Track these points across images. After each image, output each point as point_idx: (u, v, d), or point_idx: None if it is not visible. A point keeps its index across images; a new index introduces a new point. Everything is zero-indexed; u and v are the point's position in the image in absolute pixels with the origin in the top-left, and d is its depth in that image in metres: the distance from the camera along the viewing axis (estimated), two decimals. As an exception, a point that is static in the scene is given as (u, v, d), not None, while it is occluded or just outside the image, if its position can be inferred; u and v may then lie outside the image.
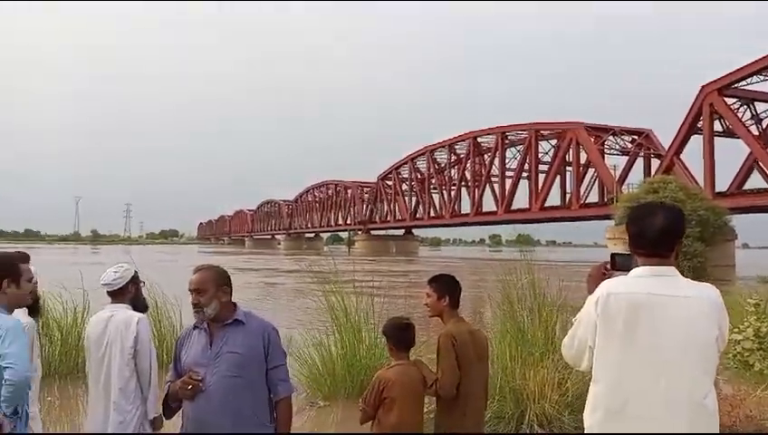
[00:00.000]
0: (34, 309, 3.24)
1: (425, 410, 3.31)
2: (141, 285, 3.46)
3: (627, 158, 53.48)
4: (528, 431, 4.71)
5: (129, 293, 3.32)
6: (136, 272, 3.42)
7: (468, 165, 68.73)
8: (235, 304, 2.80)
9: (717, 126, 41.93)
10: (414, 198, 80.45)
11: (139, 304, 3.36)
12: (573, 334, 2.10)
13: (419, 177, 78.49)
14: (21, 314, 3.30)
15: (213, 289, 2.70)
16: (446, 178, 73.45)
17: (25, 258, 2.81)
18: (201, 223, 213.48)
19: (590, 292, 2.08)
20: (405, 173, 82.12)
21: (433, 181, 75.44)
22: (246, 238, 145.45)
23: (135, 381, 3.18)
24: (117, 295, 3.31)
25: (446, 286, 3.27)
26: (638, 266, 2.02)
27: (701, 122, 41.32)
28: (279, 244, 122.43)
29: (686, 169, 43.24)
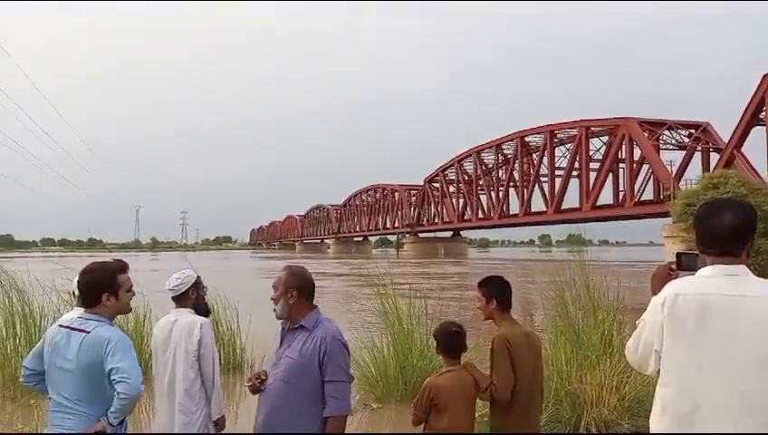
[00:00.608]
0: None
1: (478, 413, 3.29)
2: (204, 290, 3.58)
3: (683, 153, 51.46)
4: (585, 433, 4.61)
5: (191, 298, 3.45)
6: (198, 278, 3.55)
7: (516, 165, 67.69)
8: (312, 309, 2.78)
9: (782, 116, 39.74)
10: (461, 200, 79.82)
11: (201, 309, 3.48)
12: (638, 337, 2.03)
13: (467, 178, 77.83)
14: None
15: (282, 289, 2.76)
16: (494, 178, 72.53)
17: (124, 268, 2.81)
18: (253, 229, 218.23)
19: (655, 293, 2.01)
20: (452, 175, 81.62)
21: (480, 182, 74.64)
22: (297, 243, 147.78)
23: (199, 383, 3.30)
24: (180, 300, 3.45)
25: (494, 289, 3.24)
26: (705, 266, 1.94)
27: (763, 113, 39.27)
28: (328, 248, 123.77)
29: (748, 162, 41.15)
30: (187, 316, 3.38)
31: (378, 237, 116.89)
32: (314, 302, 2.83)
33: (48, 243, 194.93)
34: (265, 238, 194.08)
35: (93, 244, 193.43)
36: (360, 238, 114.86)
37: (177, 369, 3.30)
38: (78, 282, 2.75)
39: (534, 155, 65.48)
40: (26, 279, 7.55)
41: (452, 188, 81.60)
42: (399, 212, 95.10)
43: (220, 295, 7.73)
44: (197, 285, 3.48)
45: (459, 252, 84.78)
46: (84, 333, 2.55)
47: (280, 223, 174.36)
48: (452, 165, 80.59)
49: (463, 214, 79.31)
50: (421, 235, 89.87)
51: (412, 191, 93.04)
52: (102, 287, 2.66)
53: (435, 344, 3.32)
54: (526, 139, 66.21)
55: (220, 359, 7.29)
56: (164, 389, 3.36)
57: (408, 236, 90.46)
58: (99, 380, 2.52)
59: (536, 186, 64.23)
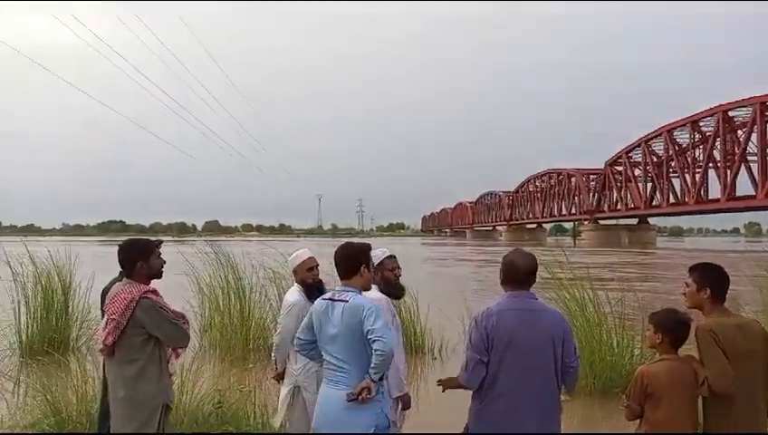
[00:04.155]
0: (312, 292, 3.80)
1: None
2: (394, 271, 3.65)
3: None
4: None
5: (375, 277, 3.56)
6: (386, 258, 3.66)
7: (717, 143, 59.85)
8: None
9: None
10: (649, 184, 73.02)
11: (384, 291, 3.57)
12: None
13: (655, 160, 70.91)
14: (296, 294, 3.87)
15: None
16: (689, 159, 65.06)
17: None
18: (424, 216, 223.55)
19: None
20: (637, 157, 74.99)
21: (672, 164, 67.48)
22: (467, 230, 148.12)
23: None
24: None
25: (709, 278, 2.91)
26: None
27: None
28: (500, 235, 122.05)
29: None
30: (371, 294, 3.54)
31: (552, 225, 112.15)
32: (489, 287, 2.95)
33: (247, 228, 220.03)
34: (436, 225, 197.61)
35: (283, 229, 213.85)
36: (534, 226, 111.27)
37: None
38: (338, 255, 3.11)
39: (740, 131, 57.25)
40: (239, 259, 8.62)
41: (637, 171, 75.02)
42: (576, 198, 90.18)
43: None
44: (381, 266, 3.58)
45: (646, 241, 77.60)
46: (344, 303, 2.96)
47: (450, 210, 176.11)
48: (638, 145, 74.01)
49: (651, 199, 72.55)
50: (601, 222, 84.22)
51: (591, 176, 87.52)
52: (364, 260, 3.11)
53: (651, 331, 3.03)
54: (729, 113, 58.13)
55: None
56: None
57: (586, 223, 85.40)
58: (359, 341, 2.89)
59: (742, 166, 56.16)
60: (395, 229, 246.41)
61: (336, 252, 3.13)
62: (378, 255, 3.61)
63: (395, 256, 3.73)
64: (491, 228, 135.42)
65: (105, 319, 3.13)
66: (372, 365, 2.83)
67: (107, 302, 3.17)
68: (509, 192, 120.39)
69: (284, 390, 3.84)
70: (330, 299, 3.04)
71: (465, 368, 2.86)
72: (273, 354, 4.04)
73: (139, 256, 3.18)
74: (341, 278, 3.10)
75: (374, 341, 2.81)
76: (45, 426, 4.33)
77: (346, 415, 2.85)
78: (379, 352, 2.80)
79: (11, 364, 7.15)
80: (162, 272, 3.28)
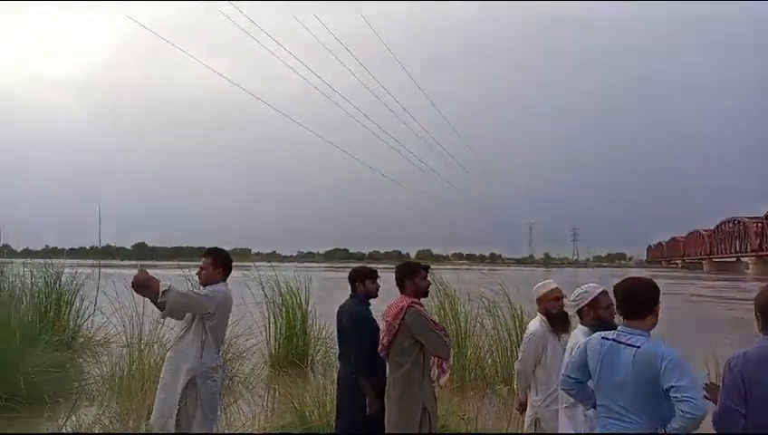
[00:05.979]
0: (556, 323, 3.86)
1: None
2: (606, 308, 3.40)
3: None
4: None
5: (587, 315, 3.45)
6: (599, 295, 3.45)
7: None
8: None
9: None
10: None
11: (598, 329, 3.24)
12: None
13: None
14: (537, 323, 3.87)
15: None
16: None
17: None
18: (650, 245, 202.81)
19: None
20: None
21: None
22: (704, 262, 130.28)
23: None
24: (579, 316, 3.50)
25: None
26: None
27: None
28: (747, 268, 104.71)
29: None
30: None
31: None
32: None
33: (457, 257, 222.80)
34: (665, 256, 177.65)
35: (493, 259, 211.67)
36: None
37: None
38: (626, 291, 2.77)
39: None
40: (453, 287, 8.80)
41: None
42: None
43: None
44: (595, 303, 3.38)
45: None
46: (635, 348, 2.61)
47: (682, 238, 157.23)
48: None
49: None
50: None
51: None
52: (657, 298, 2.76)
53: None
54: None
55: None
56: None
57: None
58: (651, 392, 2.57)
59: None
60: (614, 259, 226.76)
61: (622, 287, 2.79)
62: (589, 291, 3.43)
63: (607, 292, 3.40)
64: (734, 260, 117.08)
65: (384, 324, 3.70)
66: (676, 426, 2.49)
67: (385, 310, 3.75)
68: (757, 218, 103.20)
69: (527, 421, 3.88)
70: (614, 340, 2.70)
71: (717, 417, 2.53)
72: (515, 382, 4.13)
73: (409, 276, 3.73)
74: (627, 317, 2.72)
75: (682, 401, 2.44)
76: (294, 432, 4.93)
77: None
78: (688, 415, 2.44)
79: (263, 374, 8.26)
80: (428, 292, 3.89)
